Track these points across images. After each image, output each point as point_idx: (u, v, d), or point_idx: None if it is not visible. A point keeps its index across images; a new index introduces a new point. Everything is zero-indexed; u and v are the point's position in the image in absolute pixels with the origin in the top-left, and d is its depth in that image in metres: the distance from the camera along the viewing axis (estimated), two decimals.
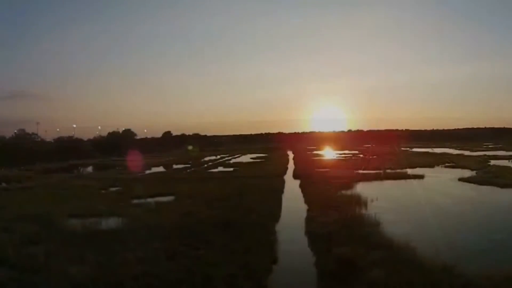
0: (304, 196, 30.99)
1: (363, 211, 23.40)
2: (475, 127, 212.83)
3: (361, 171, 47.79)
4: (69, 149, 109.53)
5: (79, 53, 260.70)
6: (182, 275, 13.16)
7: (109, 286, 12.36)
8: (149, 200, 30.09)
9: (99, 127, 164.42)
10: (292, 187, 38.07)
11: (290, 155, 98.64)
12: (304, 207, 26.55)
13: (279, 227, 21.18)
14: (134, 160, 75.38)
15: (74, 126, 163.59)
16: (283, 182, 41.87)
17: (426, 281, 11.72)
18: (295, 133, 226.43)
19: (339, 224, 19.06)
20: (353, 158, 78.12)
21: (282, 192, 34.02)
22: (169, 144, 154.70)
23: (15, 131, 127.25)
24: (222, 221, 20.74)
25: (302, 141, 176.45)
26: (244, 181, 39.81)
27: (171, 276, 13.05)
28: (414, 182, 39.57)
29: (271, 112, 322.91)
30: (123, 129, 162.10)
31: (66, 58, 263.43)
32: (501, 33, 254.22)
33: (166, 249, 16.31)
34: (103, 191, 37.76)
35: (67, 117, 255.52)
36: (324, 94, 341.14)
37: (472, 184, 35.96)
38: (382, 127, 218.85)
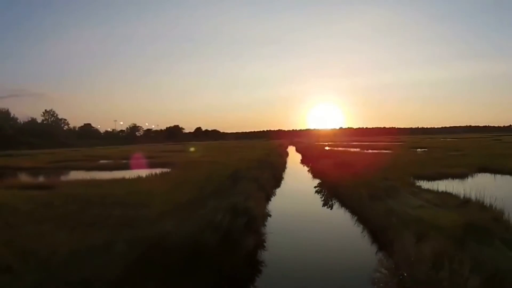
0: (303, 159, 30.24)
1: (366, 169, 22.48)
2: (473, 125, 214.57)
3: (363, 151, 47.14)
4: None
5: (80, 53, 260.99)
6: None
7: None
8: None
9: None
10: (294, 156, 37.34)
11: (291, 146, 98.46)
12: (306, 174, 25.91)
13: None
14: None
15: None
16: (285, 159, 41.10)
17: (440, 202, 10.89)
18: (293, 130, 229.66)
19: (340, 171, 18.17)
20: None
21: (285, 163, 33.28)
22: (176, 138, 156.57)
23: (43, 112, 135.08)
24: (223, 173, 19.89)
25: (301, 138, 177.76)
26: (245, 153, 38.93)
27: None
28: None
29: (271, 111, 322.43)
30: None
31: (66, 58, 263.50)
32: (496, 32, 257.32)
33: None
34: None
35: (67, 117, 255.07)
36: (322, 93, 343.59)
37: None
38: (381, 125, 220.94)
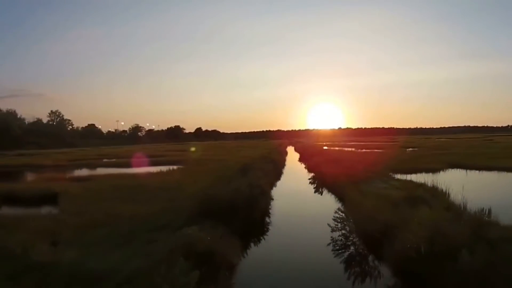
0: (301, 157, 34.13)
1: (354, 165, 26.28)
2: (472, 125, 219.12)
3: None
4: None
5: (80, 53, 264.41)
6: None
7: None
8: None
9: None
10: (292, 155, 41.19)
11: (290, 146, 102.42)
12: (302, 169, 29.72)
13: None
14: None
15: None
16: (284, 157, 45.01)
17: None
18: (292, 130, 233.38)
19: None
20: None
21: (285, 160, 37.07)
22: (177, 138, 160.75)
23: (49, 112, 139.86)
24: (232, 166, 23.74)
25: (301, 138, 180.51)
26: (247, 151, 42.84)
27: None
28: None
29: (271, 111, 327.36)
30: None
31: (66, 58, 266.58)
32: (496, 32, 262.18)
33: None
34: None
35: (67, 117, 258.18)
36: (322, 93, 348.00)
37: None
38: (380, 125, 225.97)
